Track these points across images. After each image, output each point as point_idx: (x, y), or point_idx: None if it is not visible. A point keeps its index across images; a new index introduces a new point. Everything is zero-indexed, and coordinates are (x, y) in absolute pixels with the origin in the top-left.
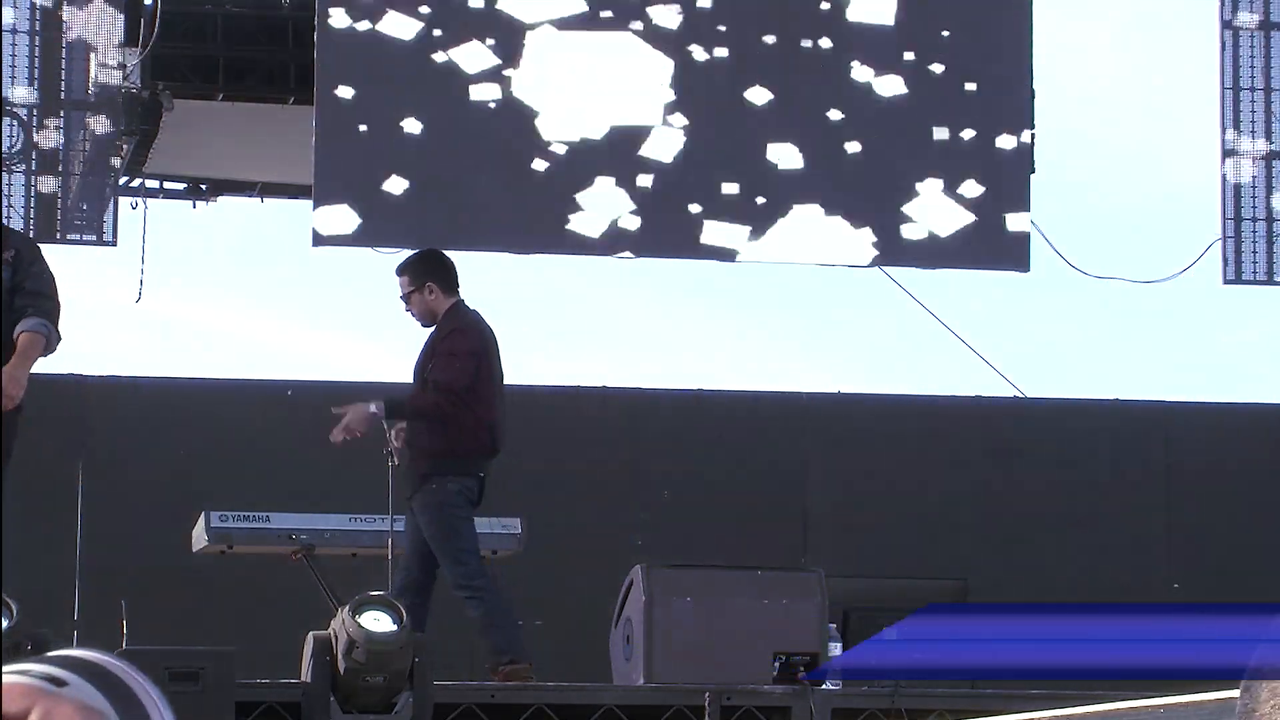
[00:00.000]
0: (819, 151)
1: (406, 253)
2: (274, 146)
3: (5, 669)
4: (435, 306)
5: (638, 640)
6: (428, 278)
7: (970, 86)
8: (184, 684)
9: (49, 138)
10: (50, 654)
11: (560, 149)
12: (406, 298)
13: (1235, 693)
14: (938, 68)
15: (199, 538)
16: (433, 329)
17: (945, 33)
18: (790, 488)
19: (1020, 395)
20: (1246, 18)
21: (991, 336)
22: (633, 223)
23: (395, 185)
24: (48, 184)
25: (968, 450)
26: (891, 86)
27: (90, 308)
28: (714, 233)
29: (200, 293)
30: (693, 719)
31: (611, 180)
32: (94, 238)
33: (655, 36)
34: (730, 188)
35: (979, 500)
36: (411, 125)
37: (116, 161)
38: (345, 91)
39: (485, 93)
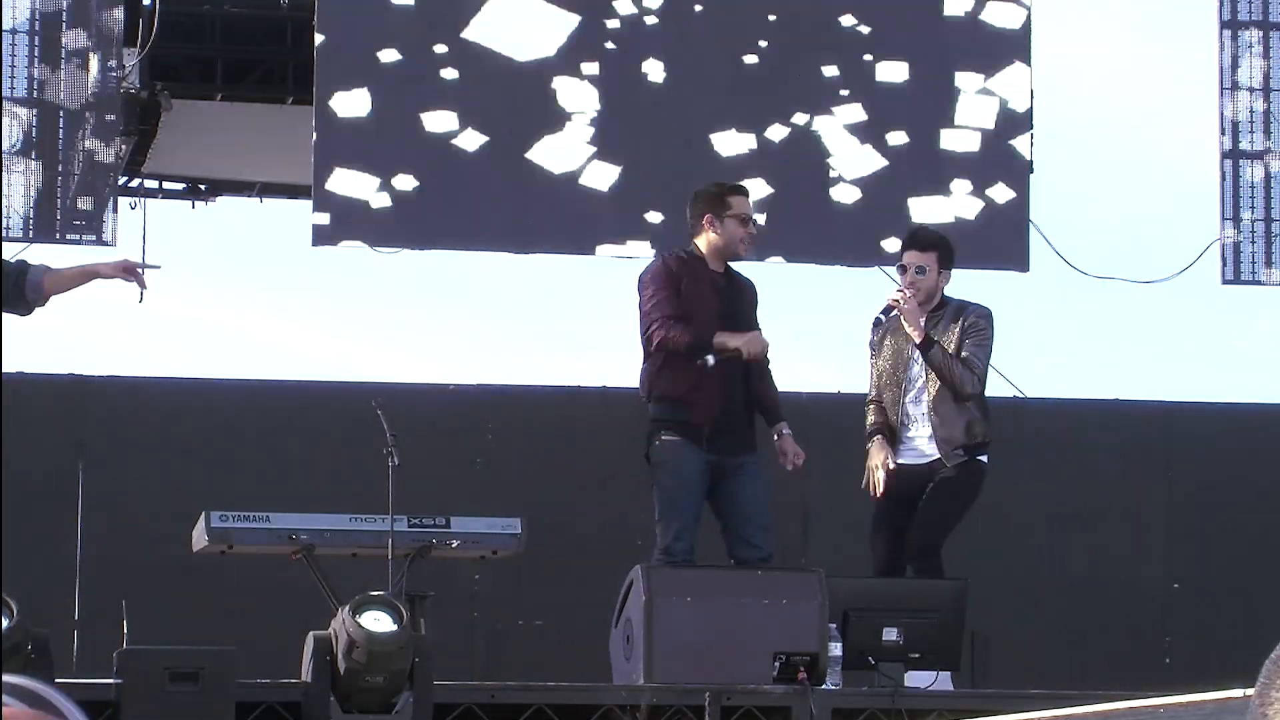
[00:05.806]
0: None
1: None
2: (273, 146)
3: None
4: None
5: (638, 640)
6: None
7: (969, 86)
8: (184, 684)
9: (49, 138)
10: None
11: (565, 149)
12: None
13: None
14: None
15: (199, 538)
16: (732, 281)
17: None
18: (790, 488)
19: (1020, 395)
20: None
21: None
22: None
23: (395, 184)
24: (47, 184)
25: None
26: (895, 74)
27: (90, 307)
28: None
29: (199, 293)
30: (693, 719)
31: (618, 179)
32: (93, 238)
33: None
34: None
35: (979, 500)
36: (413, 124)
37: (115, 161)
38: (344, 90)
39: (493, 93)
